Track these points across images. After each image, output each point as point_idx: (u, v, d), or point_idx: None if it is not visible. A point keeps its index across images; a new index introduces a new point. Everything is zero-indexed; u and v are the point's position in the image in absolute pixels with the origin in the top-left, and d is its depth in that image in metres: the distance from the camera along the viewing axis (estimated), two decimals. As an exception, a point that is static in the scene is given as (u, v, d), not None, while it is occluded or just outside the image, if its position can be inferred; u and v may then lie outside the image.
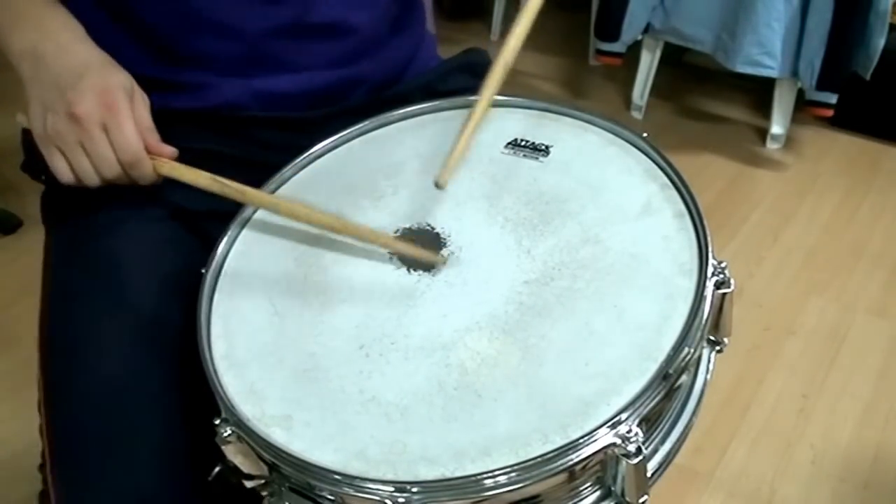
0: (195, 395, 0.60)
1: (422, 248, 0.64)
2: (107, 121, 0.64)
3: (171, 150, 0.68)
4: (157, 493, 0.63)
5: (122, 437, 0.64)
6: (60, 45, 0.67)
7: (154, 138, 0.67)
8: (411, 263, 0.63)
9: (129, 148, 0.65)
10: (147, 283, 0.70)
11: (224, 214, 0.69)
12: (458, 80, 0.87)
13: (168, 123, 0.69)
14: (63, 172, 0.66)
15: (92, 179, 0.67)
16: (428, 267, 0.63)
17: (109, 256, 0.72)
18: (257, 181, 0.70)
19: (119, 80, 0.66)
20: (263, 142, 0.78)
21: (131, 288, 0.70)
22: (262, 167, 0.72)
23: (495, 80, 0.68)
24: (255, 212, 0.70)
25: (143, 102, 0.68)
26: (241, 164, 0.75)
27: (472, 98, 0.75)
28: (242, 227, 0.69)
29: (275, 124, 0.78)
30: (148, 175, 0.67)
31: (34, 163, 0.75)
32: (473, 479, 0.48)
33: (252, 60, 0.76)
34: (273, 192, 0.71)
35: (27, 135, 0.76)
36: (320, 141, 0.76)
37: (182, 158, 0.68)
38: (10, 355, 1.49)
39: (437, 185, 0.63)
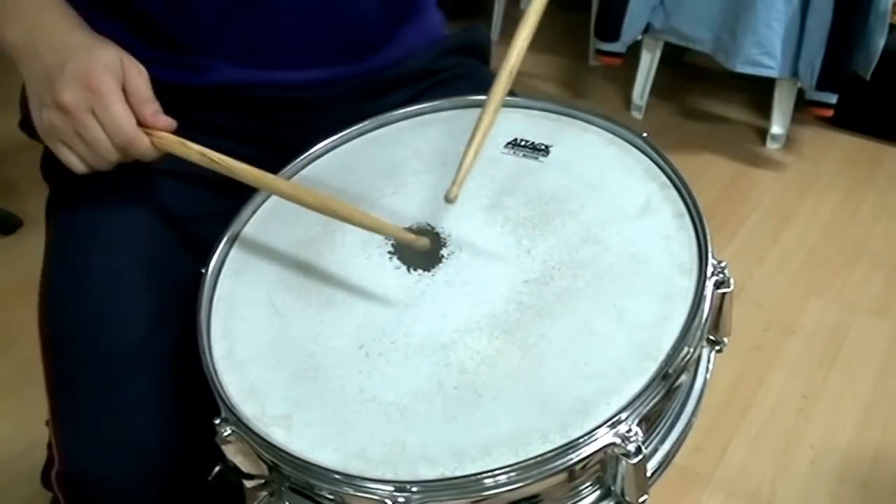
0: (194, 393, 0.61)
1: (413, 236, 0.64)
2: (93, 104, 0.63)
3: (166, 123, 0.66)
4: (157, 438, 0.64)
5: (119, 384, 0.65)
6: (53, 35, 0.66)
7: (151, 110, 0.66)
8: (408, 260, 0.63)
9: (120, 129, 0.64)
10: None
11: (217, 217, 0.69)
12: (454, 60, 0.87)
13: (170, 95, 0.69)
14: (75, 164, 0.66)
15: (102, 165, 0.66)
16: (425, 264, 0.63)
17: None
18: (260, 156, 0.69)
19: (103, 60, 0.64)
20: (264, 117, 0.79)
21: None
22: (264, 143, 0.73)
23: (500, 89, 0.68)
24: (254, 212, 0.70)
25: (137, 74, 0.66)
26: (243, 138, 0.75)
27: (474, 98, 0.76)
28: (242, 227, 0.69)
29: (277, 104, 0.79)
30: (147, 153, 0.66)
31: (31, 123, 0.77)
32: (473, 478, 0.48)
33: (255, 53, 0.76)
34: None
35: (24, 97, 0.76)
36: (322, 135, 0.76)
37: (184, 132, 0.67)
38: (10, 355, 1.49)
39: (448, 200, 0.62)
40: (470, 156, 0.64)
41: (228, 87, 0.77)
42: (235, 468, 0.56)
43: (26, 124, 0.83)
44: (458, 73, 0.87)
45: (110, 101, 0.63)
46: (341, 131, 0.76)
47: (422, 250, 0.63)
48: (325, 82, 0.79)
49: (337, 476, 0.50)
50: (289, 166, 0.73)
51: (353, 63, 0.80)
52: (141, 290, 0.69)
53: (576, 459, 0.49)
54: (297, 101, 0.80)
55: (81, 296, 0.69)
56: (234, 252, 0.67)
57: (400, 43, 0.83)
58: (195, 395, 0.63)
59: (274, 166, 0.69)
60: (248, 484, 0.56)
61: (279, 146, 0.73)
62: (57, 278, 0.72)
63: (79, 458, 0.64)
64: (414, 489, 0.48)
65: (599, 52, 2.13)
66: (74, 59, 0.64)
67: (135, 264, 0.71)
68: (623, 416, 0.50)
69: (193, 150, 0.65)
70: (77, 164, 0.66)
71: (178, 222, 0.75)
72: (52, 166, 0.79)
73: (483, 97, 0.68)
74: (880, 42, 1.80)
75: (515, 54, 0.68)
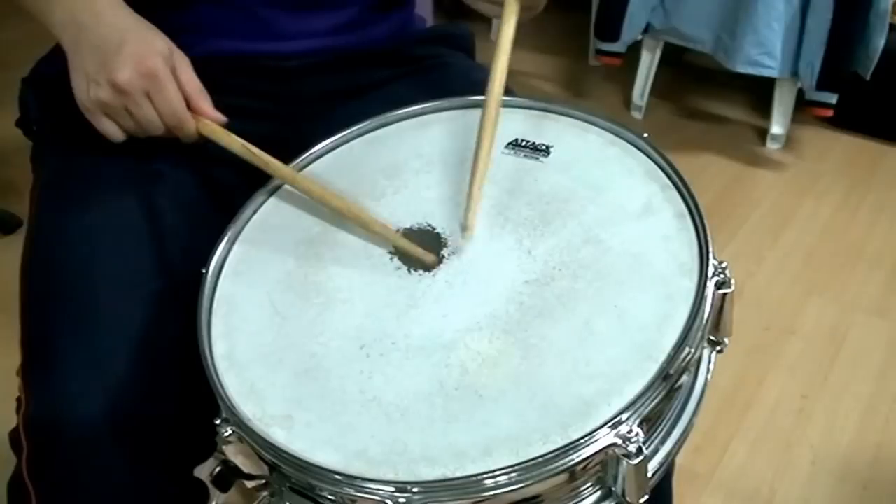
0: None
1: (421, 247, 0.64)
2: (149, 88, 0.67)
3: (219, 117, 0.71)
4: (126, 382, 0.64)
5: (93, 328, 0.66)
6: (98, 13, 0.69)
7: (206, 102, 0.71)
8: (410, 262, 0.63)
9: (173, 112, 0.69)
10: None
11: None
12: (429, 49, 0.90)
13: None
14: (113, 134, 0.70)
15: (142, 135, 0.71)
16: (426, 266, 0.63)
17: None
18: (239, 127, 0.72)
19: (157, 47, 0.68)
20: (240, 88, 0.81)
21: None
22: (242, 113, 0.75)
23: (490, 120, 0.69)
24: (255, 212, 0.70)
25: (185, 65, 0.70)
26: (222, 110, 0.76)
27: (474, 98, 0.76)
28: (243, 227, 0.69)
29: (253, 72, 0.82)
30: (191, 135, 0.71)
31: (27, 119, 0.83)
32: (474, 479, 0.48)
33: (242, 26, 0.80)
34: (275, 190, 0.72)
35: (23, 94, 0.83)
36: (296, 106, 0.78)
37: None
38: (12, 354, 1.49)
39: (464, 230, 0.64)
40: (475, 191, 0.65)
41: (208, 58, 0.78)
42: (236, 468, 0.55)
43: (22, 122, 0.84)
44: (443, 63, 0.89)
45: (165, 86, 0.68)
46: (342, 131, 0.76)
47: (428, 263, 0.63)
48: (301, 54, 0.83)
49: (338, 476, 0.50)
50: (290, 166, 0.72)
51: (328, 37, 0.84)
52: (125, 242, 0.71)
53: (577, 460, 0.49)
54: (274, 70, 0.82)
55: (63, 246, 0.70)
56: (235, 252, 0.67)
57: (376, 25, 0.87)
58: (171, 348, 0.65)
59: (252, 137, 0.71)
60: (249, 484, 0.56)
61: (256, 116, 0.76)
62: (41, 229, 0.73)
63: (46, 400, 0.63)
64: (415, 490, 0.48)
65: (599, 52, 2.13)
66: (130, 43, 0.67)
67: (118, 217, 0.72)
68: (624, 416, 0.50)
69: (236, 141, 0.70)
70: (116, 134, 0.70)
71: (168, 181, 0.76)
72: (40, 153, 0.82)
73: (481, 98, 0.68)
74: (880, 42, 1.80)
75: (499, 72, 0.70)
